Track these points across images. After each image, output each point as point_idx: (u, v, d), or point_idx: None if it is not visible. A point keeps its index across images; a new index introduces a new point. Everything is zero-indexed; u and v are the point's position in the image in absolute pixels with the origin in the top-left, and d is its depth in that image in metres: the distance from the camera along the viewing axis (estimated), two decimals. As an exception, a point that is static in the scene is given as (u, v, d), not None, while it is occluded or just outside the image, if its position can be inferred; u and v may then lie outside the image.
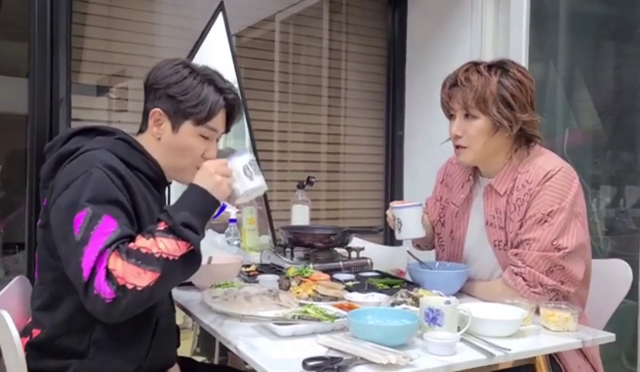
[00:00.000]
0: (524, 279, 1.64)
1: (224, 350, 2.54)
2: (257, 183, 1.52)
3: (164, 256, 1.26)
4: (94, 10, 2.56)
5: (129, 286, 1.22)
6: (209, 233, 2.36)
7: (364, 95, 3.25)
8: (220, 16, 2.71)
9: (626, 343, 2.07)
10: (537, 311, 1.54)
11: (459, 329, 1.38)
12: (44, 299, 1.42)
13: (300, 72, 3.09)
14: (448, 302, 1.40)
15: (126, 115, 2.63)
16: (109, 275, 1.23)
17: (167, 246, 1.28)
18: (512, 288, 1.65)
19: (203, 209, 1.38)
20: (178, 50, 2.68)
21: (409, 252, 1.94)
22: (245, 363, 1.77)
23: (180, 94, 1.46)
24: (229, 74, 2.74)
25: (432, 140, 3.05)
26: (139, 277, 1.23)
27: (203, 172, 1.42)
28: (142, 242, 1.28)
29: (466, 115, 1.71)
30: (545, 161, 1.71)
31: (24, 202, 2.39)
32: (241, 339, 1.38)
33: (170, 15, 2.73)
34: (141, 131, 1.54)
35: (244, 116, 2.77)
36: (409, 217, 1.83)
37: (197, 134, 1.49)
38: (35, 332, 1.41)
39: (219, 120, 1.52)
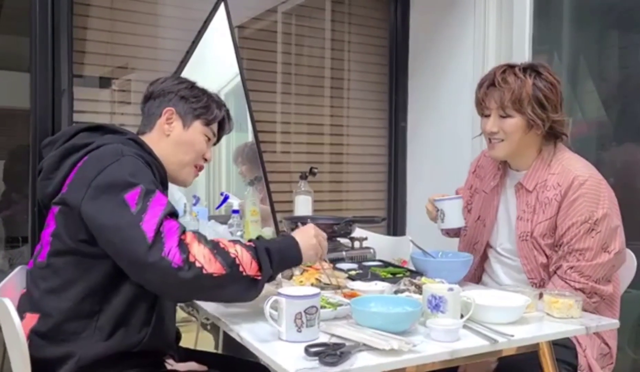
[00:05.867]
0: (583, 292, 1.68)
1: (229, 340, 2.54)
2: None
3: (237, 261, 1.31)
4: (97, 1, 2.55)
5: (198, 264, 1.26)
6: (212, 223, 2.36)
7: (367, 87, 3.24)
8: (222, 7, 2.70)
9: (630, 332, 2.06)
10: (541, 296, 1.54)
11: (462, 316, 1.38)
12: (52, 284, 1.40)
13: (303, 64, 3.07)
14: (451, 289, 1.39)
15: (129, 107, 2.62)
16: (182, 245, 1.26)
17: (243, 257, 1.33)
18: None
19: (287, 256, 1.42)
20: (180, 41, 2.68)
21: (412, 241, 1.95)
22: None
23: (192, 96, 1.65)
24: (231, 66, 2.74)
25: (435, 131, 3.06)
26: (209, 262, 1.27)
27: (305, 230, 1.49)
28: (222, 240, 1.35)
29: (501, 115, 1.79)
30: (578, 166, 1.76)
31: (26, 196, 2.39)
32: (244, 326, 1.38)
33: (172, 7, 2.72)
34: (144, 133, 1.65)
35: (247, 108, 2.77)
36: (453, 208, 1.94)
37: (204, 133, 1.67)
38: (33, 317, 1.39)
39: (216, 127, 1.71)
